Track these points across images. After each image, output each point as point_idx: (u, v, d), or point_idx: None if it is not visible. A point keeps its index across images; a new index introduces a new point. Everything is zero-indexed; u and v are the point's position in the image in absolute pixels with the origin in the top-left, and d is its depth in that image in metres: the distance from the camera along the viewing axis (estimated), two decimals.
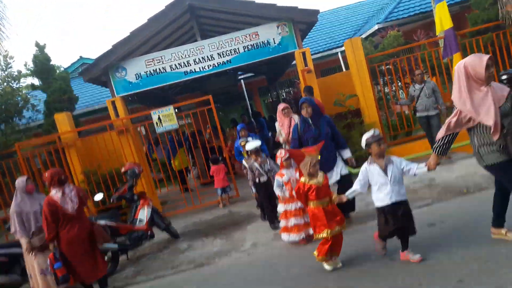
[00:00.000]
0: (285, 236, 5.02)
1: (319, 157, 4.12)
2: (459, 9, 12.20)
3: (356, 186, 3.87)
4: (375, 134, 3.78)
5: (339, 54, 15.10)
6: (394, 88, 9.58)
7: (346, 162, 5.34)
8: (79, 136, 8.59)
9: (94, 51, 58.97)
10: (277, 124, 7.13)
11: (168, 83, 8.49)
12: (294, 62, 9.51)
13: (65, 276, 4.55)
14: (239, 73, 15.31)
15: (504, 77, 6.66)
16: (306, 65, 8.26)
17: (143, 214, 6.21)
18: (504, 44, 8.35)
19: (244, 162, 6.25)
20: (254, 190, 6.02)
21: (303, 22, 8.56)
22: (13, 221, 5.06)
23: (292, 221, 4.90)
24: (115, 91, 8.17)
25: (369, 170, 3.79)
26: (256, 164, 5.77)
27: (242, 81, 16.60)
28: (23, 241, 5.08)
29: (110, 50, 7.84)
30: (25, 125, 9.74)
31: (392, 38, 9.52)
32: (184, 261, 5.50)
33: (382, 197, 3.73)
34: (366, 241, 4.36)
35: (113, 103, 8.08)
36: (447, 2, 10.45)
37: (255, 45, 8.39)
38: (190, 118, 8.39)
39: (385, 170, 3.72)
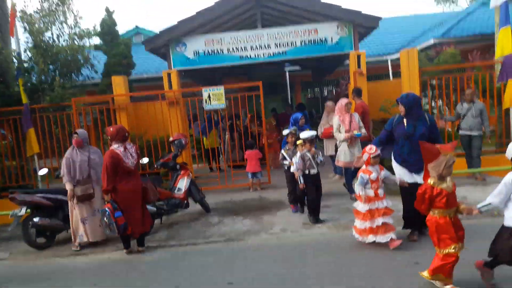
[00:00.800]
0: (371, 238, 4.61)
1: (455, 158, 3.66)
2: None
3: (494, 199, 3.38)
4: None
5: (389, 61, 14.99)
6: (441, 103, 9.53)
7: None
8: (131, 100, 9.04)
9: (149, 22, 60.76)
10: (335, 119, 6.92)
11: (223, 64, 8.79)
12: (346, 63, 9.61)
13: (125, 224, 4.92)
14: (286, 64, 15.45)
15: None
16: (359, 67, 8.37)
17: (182, 183, 6.51)
18: None
19: (283, 151, 6.41)
20: (302, 180, 5.75)
21: (364, 26, 8.64)
22: (63, 166, 5.61)
23: (380, 221, 4.53)
24: (172, 64, 8.58)
25: None
26: (308, 154, 5.70)
27: (287, 72, 16.75)
28: (68, 187, 5.55)
29: (175, 25, 8.27)
30: (81, 82, 10.28)
31: (449, 55, 9.45)
32: (215, 234, 5.78)
33: None
34: None
35: (168, 75, 8.50)
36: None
37: (312, 40, 8.55)
38: (231, 101, 8.61)
39: None
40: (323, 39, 8.53)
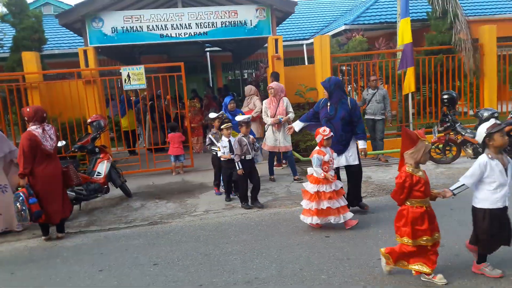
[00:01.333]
0: (315, 219, 4.64)
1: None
2: (421, 26, 13.20)
3: (468, 180, 3.33)
4: (497, 123, 3.31)
5: (305, 46, 15.67)
6: (350, 89, 10.33)
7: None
8: (44, 79, 8.44)
9: None
10: (264, 103, 7.23)
11: (142, 42, 8.59)
12: (265, 46, 9.91)
13: (39, 212, 4.74)
14: (206, 45, 15.43)
15: (445, 96, 7.64)
16: (277, 51, 8.72)
17: (102, 168, 6.35)
18: (452, 67, 9.34)
19: (210, 136, 6.50)
20: (240, 166, 5.70)
21: (281, 10, 8.98)
22: None
23: (325, 204, 4.55)
24: (88, 41, 8.15)
25: (491, 165, 3.25)
26: (245, 139, 5.72)
27: (208, 53, 16.70)
28: None
29: None
30: None
31: (357, 42, 10.22)
32: (138, 218, 5.79)
33: (496, 198, 3.27)
34: None
35: (85, 52, 8.08)
36: (412, 16, 11.40)
37: (232, 22, 8.69)
38: (152, 81, 8.45)
39: (506, 169, 3.28)
40: (243, 21, 8.71)
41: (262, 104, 7.44)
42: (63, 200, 5.03)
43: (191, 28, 8.54)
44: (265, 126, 7.31)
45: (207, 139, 6.64)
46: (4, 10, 9.69)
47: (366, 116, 8.20)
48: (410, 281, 3.40)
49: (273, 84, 7.17)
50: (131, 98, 10.05)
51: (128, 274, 3.95)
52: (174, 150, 8.22)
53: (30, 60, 8.03)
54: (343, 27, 13.73)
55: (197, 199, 6.52)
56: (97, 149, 6.48)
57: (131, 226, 5.48)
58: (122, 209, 6.31)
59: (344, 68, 9.61)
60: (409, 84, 8.95)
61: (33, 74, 8.06)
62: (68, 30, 9.40)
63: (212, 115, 6.73)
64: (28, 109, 4.97)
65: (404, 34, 8.95)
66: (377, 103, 8.04)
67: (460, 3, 9.99)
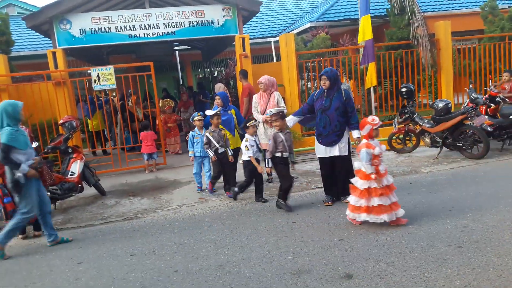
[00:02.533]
0: (364, 216, 4.35)
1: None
2: (382, 22, 13.77)
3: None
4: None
5: (272, 44, 15.98)
6: (316, 85, 10.73)
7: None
8: (12, 81, 8.42)
9: None
10: (254, 98, 6.88)
11: (111, 43, 8.69)
12: (232, 44, 10.17)
13: (14, 211, 4.85)
14: (175, 43, 15.54)
15: (403, 89, 8.13)
16: (244, 50, 9.01)
17: (75, 167, 6.46)
18: (411, 61, 9.87)
19: (207, 134, 6.06)
20: (269, 164, 5.51)
21: (247, 9, 9.27)
22: None
23: (376, 201, 4.26)
24: (57, 43, 8.20)
25: None
26: (282, 135, 5.25)
27: (177, 52, 16.79)
28: None
29: (58, 1, 7.87)
30: None
31: (321, 40, 10.62)
32: (113, 215, 5.97)
33: None
34: None
35: (53, 54, 8.11)
36: (373, 13, 11.91)
37: (200, 22, 8.92)
38: (122, 81, 8.52)
39: None
40: (210, 21, 8.96)
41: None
42: None
43: (159, 28, 8.72)
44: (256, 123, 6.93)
45: (204, 138, 6.15)
46: None
47: None
48: (366, 255, 3.77)
49: (262, 79, 6.67)
50: (100, 98, 10.09)
51: (107, 265, 4.16)
52: (147, 148, 8.37)
53: None
54: (308, 25, 14.12)
55: (171, 195, 6.74)
56: (70, 149, 6.57)
57: (107, 222, 5.67)
58: (97, 206, 6.47)
59: (309, 64, 9.99)
60: (371, 78, 9.40)
61: (1, 77, 8.03)
62: (35, 32, 9.35)
63: (209, 112, 6.24)
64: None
65: (365, 31, 9.38)
66: None
67: (417, 0, 10.53)
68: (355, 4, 15.01)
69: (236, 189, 5.90)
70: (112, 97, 10.63)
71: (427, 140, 7.82)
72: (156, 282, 3.67)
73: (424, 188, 5.83)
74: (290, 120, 5.66)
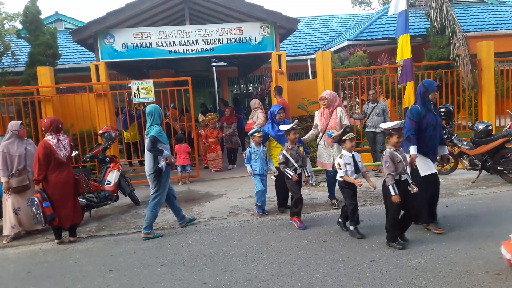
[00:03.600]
0: None
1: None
2: (422, 42, 13.53)
3: None
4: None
5: (309, 61, 16.05)
6: (351, 103, 10.64)
7: (441, 158, 5.15)
8: (57, 92, 8.86)
9: (71, 9, 56.86)
10: (316, 114, 6.33)
11: (151, 58, 9.00)
12: (269, 61, 10.28)
13: (53, 215, 5.07)
14: (212, 59, 15.90)
15: (442, 110, 7.91)
16: (280, 67, 9.08)
17: (112, 176, 6.69)
18: (451, 81, 9.62)
19: (285, 152, 5.42)
20: (396, 191, 4.26)
21: (284, 27, 9.37)
22: None
23: None
24: (100, 56, 8.60)
25: None
26: (399, 155, 4.39)
27: (214, 68, 17.14)
28: (3, 180, 5.51)
29: (103, 16, 8.32)
30: (1, 69, 9.79)
31: (358, 58, 10.56)
32: None
33: None
34: None
35: (96, 67, 8.52)
36: (412, 32, 11.72)
37: (238, 39, 9.08)
38: (160, 95, 8.76)
39: None
40: (248, 38, 9.10)
41: (263, 117, 7.63)
42: (74, 206, 5.34)
43: (198, 44, 8.94)
44: (317, 140, 6.36)
45: (281, 157, 5.45)
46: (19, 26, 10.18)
47: (366, 129, 8.49)
48: (398, 278, 3.63)
49: (326, 94, 6.09)
50: (138, 110, 10.38)
51: (138, 274, 4.22)
52: (181, 160, 8.52)
53: (44, 74, 8.47)
54: (346, 43, 14.10)
55: (203, 207, 6.79)
56: (107, 159, 6.81)
57: (139, 231, 5.71)
58: (131, 216, 6.60)
59: (345, 82, 9.92)
60: (408, 98, 9.19)
61: (47, 88, 8.48)
62: (80, 46, 9.84)
63: (285, 127, 5.60)
64: (45, 120, 5.36)
65: (403, 50, 9.22)
66: (377, 116, 8.32)
67: (460, 20, 10.32)
68: (393, 23, 14.85)
69: (351, 227, 4.91)
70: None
71: (466, 162, 7.53)
72: None
73: (461, 211, 5.60)
74: (414, 150, 4.74)
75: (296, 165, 5.39)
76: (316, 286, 3.62)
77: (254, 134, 6.00)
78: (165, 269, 4.28)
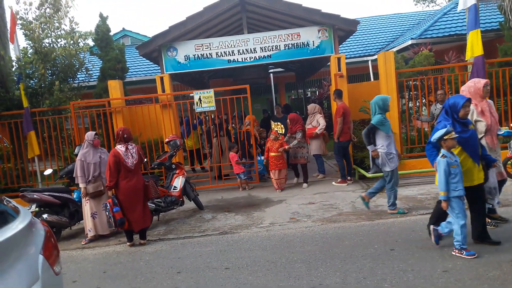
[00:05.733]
0: None
1: None
2: (494, 37, 12.62)
3: None
4: None
5: (370, 62, 15.61)
6: (418, 104, 10.16)
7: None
8: (126, 104, 9.45)
9: (136, 25, 60.83)
10: (472, 108, 4.84)
11: (212, 68, 9.27)
12: (328, 64, 10.15)
13: (122, 219, 5.41)
14: (270, 66, 16.03)
15: None
16: (339, 70, 8.92)
17: (178, 182, 7.00)
18: None
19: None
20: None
21: (343, 29, 9.20)
22: (77, 168, 6.00)
23: None
24: (164, 68, 9.03)
25: None
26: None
27: (271, 74, 17.27)
28: (81, 186, 5.98)
29: (166, 30, 8.74)
30: (76, 85, 10.67)
31: (424, 57, 10.08)
32: (210, 228, 6.25)
33: None
34: None
35: (161, 78, 8.96)
36: (483, 27, 10.98)
37: (295, 44, 9.08)
38: (220, 103, 8.99)
39: None
40: (305, 43, 9.06)
41: (324, 122, 7.55)
42: (144, 211, 5.65)
43: (256, 52, 9.07)
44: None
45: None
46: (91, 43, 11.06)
47: None
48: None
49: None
50: (200, 118, 10.74)
51: (204, 276, 4.35)
52: (235, 168, 8.68)
53: (114, 87, 9.07)
54: (409, 42, 13.52)
55: (263, 213, 6.83)
56: (173, 166, 7.11)
57: (204, 235, 5.94)
58: (196, 220, 6.82)
59: (410, 83, 9.51)
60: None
61: (117, 100, 9.06)
62: (145, 59, 10.42)
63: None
64: (116, 131, 5.73)
65: (474, 46, 8.65)
66: None
67: None
68: (461, 19, 14.05)
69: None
70: (212, 118, 11.25)
71: None
72: None
73: None
74: None
75: None
76: None
77: (445, 138, 4.13)
78: (229, 272, 4.37)
